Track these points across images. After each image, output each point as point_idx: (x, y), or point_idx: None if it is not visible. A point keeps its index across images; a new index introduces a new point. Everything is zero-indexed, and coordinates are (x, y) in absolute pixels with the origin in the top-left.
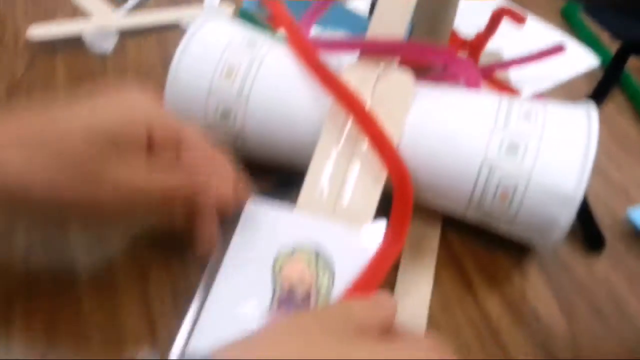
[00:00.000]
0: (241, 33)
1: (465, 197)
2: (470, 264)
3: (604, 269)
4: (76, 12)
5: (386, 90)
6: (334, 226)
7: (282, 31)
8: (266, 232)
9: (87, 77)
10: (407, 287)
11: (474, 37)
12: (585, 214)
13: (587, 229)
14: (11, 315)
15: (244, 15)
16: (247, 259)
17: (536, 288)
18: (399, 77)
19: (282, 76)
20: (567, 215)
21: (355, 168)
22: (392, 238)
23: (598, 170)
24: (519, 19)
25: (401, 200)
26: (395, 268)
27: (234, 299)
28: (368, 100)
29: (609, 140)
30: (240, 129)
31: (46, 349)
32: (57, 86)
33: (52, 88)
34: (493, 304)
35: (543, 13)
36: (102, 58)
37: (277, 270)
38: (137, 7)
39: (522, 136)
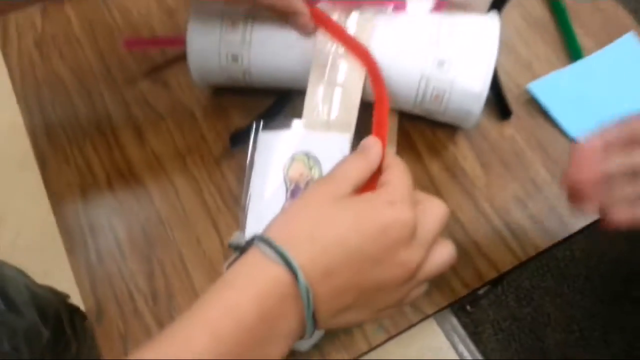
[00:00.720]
0: None
1: (412, 99)
2: (419, 141)
3: (511, 131)
4: None
5: (354, 26)
6: (317, 136)
7: None
8: (275, 150)
9: (97, 20)
10: None
11: None
12: (497, 90)
13: (499, 103)
14: None
15: None
16: (266, 171)
17: (464, 152)
18: (362, 16)
19: (273, 20)
20: (478, 107)
21: (338, 90)
22: (378, 102)
23: (509, 48)
24: None
25: (377, 78)
26: None
27: (265, 198)
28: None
29: (520, 20)
30: (247, 67)
31: None
32: (76, 32)
33: (72, 35)
34: (434, 167)
35: None
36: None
37: (286, 173)
38: None
39: (447, 53)
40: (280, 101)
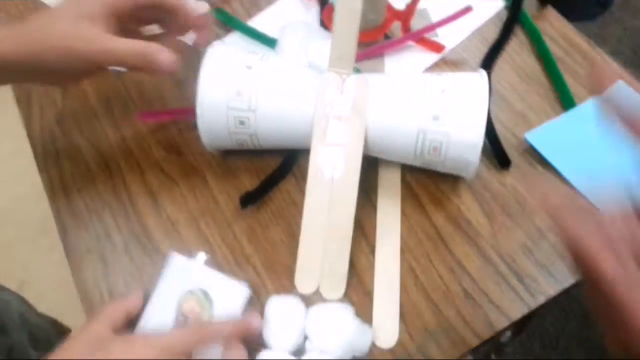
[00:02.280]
0: (239, 59)
1: (411, 153)
2: (422, 194)
3: (511, 180)
4: None
5: (351, 89)
6: (219, 279)
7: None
8: (180, 277)
9: (113, 94)
10: (384, 223)
11: (404, 7)
12: (494, 140)
13: (497, 153)
14: None
15: (218, 12)
16: (165, 293)
17: (467, 203)
18: (358, 79)
19: (276, 88)
20: (475, 156)
21: (340, 150)
22: None
23: (504, 101)
24: None
25: None
26: (374, 207)
27: (155, 319)
28: (339, 97)
29: (512, 74)
30: (254, 131)
31: None
32: (94, 107)
33: (90, 110)
34: (439, 219)
35: None
36: (119, 74)
37: (180, 303)
38: None
39: (440, 108)
40: (287, 162)
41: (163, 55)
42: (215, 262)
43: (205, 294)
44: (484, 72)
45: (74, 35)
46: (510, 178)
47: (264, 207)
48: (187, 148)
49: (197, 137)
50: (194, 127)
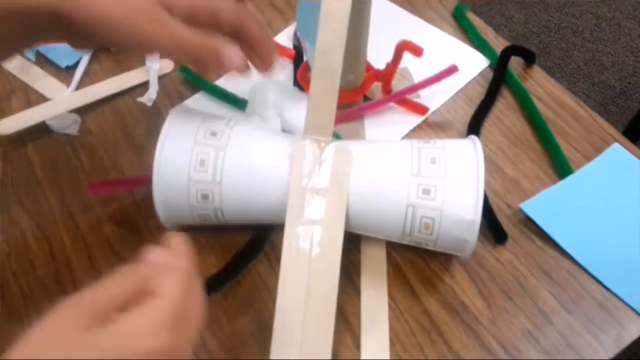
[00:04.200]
0: (203, 125)
1: (399, 231)
2: (411, 275)
3: (508, 256)
4: (29, 95)
5: (330, 159)
6: None
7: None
8: None
9: (61, 161)
10: (369, 309)
11: (384, 67)
12: (488, 212)
13: (492, 226)
14: None
15: (184, 71)
16: None
17: (461, 284)
18: (338, 147)
19: (244, 157)
20: (472, 234)
21: (318, 229)
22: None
23: (494, 167)
24: (417, 52)
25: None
26: (357, 291)
27: None
28: (317, 168)
29: (501, 138)
30: (218, 205)
31: None
32: (38, 176)
33: (33, 178)
34: (432, 303)
35: (437, 17)
36: (69, 138)
37: None
38: (85, 75)
39: (432, 180)
40: (257, 238)
41: (233, 50)
42: None
43: None
44: (477, 140)
45: (143, 12)
46: (507, 253)
47: (231, 292)
48: (142, 222)
49: (155, 210)
50: (152, 198)
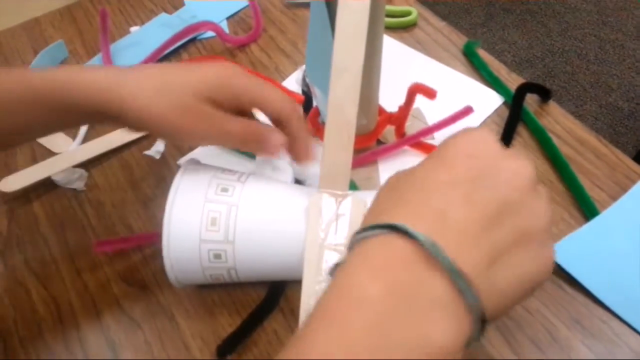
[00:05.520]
0: (214, 180)
1: None
2: None
3: (536, 305)
4: (35, 150)
5: (348, 214)
6: None
7: None
8: None
9: (67, 217)
10: None
11: (397, 110)
12: None
13: None
14: None
15: None
16: None
17: (489, 336)
18: (356, 201)
19: (257, 214)
20: None
21: None
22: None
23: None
24: (430, 94)
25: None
26: None
27: None
28: (334, 223)
29: None
30: (232, 265)
31: None
32: (44, 233)
33: (39, 236)
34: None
35: (447, 55)
36: (75, 193)
37: None
38: (90, 127)
39: None
40: (272, 295)
41: (277, 137)
42: None
43: None
44: None
45: (187, 109)
46: (536, 302)
47: (246, 352)
48: (152, 279)
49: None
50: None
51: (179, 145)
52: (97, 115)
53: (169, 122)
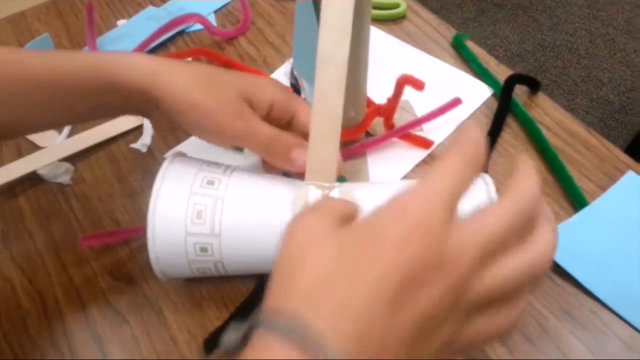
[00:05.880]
0: (199, 173)
1: None
2: None
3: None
4: (20, 144)
5: None
6: None
7: None
8: None
9: (53, 212)
10: None
11: (385, 102)
12: None
13: None
14: None
15: None
16: None
17: None
18: (343, 194)
19: (244, 207)
20: None
21: None
22: None
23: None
24: (419, 86)
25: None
26: None
27: None
28: None
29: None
30: (218, 258)
31: None
32: (29, 228)
33: (25, 230)
34: None
35: (437, 47)
36: (61, 187)
37: None
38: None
39: None
40: (260, 288)
41: (303, 153)
42: None
43: None
44: (487, 178)
45: (227, 103)
46: (536, 302)
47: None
48: (139, 273)
49: None
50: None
51: (166, 138)
52: (134, 101)
53: (209, 113)
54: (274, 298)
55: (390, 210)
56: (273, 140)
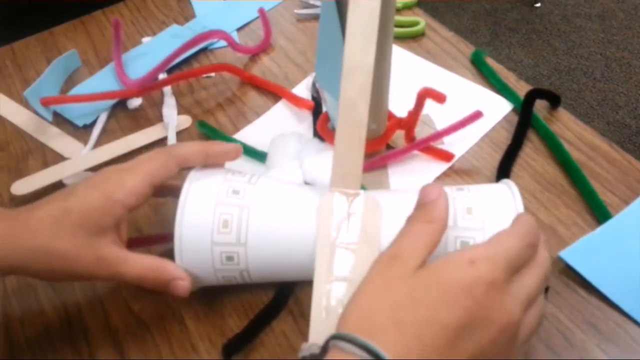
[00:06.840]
0: (224, 183)
1: None
2: None
3: (551, 309)
4: (46, 155)
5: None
6: None
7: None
8: None
9: None
10: None
11: (406, 115)
12: None
13: None
14: None
15: (202, 126)
16: None
17: None
18: (367, 199)
19: (269, 215)
20: None
21: (346, 286)
22: None
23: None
24: (440, 98)
25: None
26: None
27: None
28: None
29: (533, 183)
30: (244, 267)
31: None
32: None
33: None
34: None
35: (456, 64)
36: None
37: None
38: (102, 133)
39: (469, 232)
40: (281, 296)
41: (179, 283)
42: None
43: None
44: (512, 185)
45: (80, 256)
46: (550, 306)
47: (253, 353)
48: None
49: None
50: (171, 256)
51: None
52: None
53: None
54: (350, 323)
55: (461, 259)
56: (143, 274)
